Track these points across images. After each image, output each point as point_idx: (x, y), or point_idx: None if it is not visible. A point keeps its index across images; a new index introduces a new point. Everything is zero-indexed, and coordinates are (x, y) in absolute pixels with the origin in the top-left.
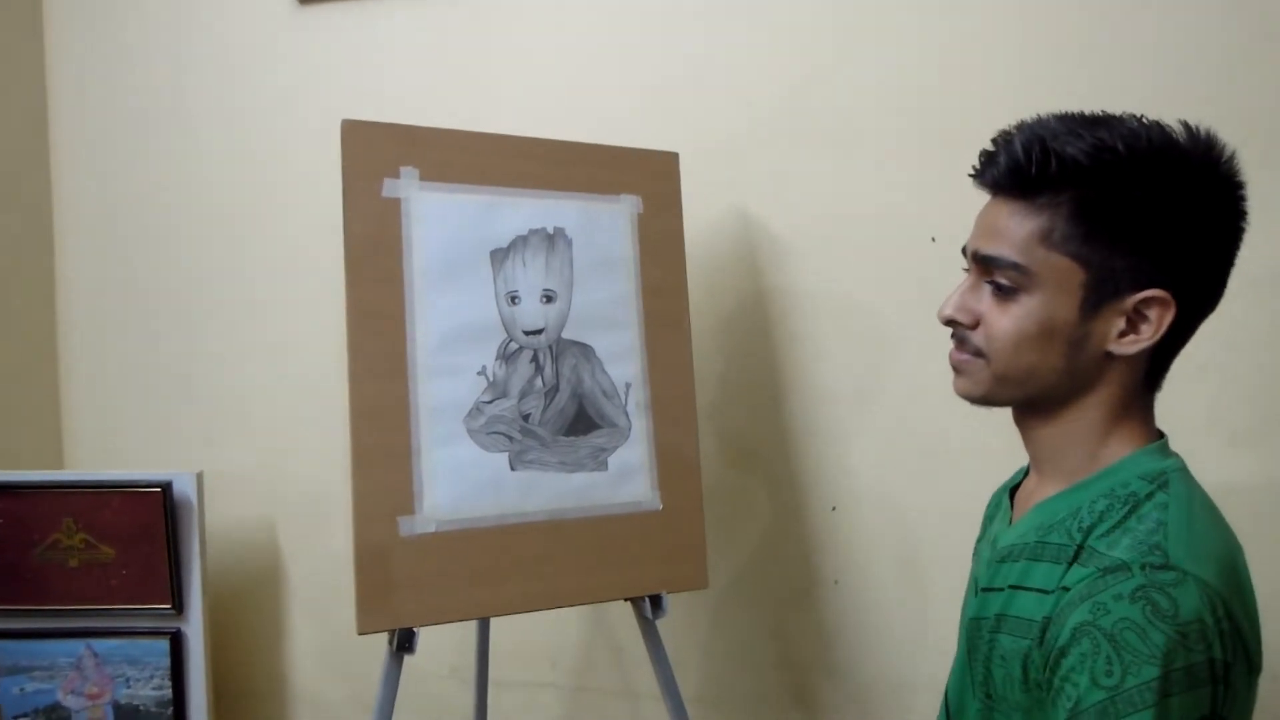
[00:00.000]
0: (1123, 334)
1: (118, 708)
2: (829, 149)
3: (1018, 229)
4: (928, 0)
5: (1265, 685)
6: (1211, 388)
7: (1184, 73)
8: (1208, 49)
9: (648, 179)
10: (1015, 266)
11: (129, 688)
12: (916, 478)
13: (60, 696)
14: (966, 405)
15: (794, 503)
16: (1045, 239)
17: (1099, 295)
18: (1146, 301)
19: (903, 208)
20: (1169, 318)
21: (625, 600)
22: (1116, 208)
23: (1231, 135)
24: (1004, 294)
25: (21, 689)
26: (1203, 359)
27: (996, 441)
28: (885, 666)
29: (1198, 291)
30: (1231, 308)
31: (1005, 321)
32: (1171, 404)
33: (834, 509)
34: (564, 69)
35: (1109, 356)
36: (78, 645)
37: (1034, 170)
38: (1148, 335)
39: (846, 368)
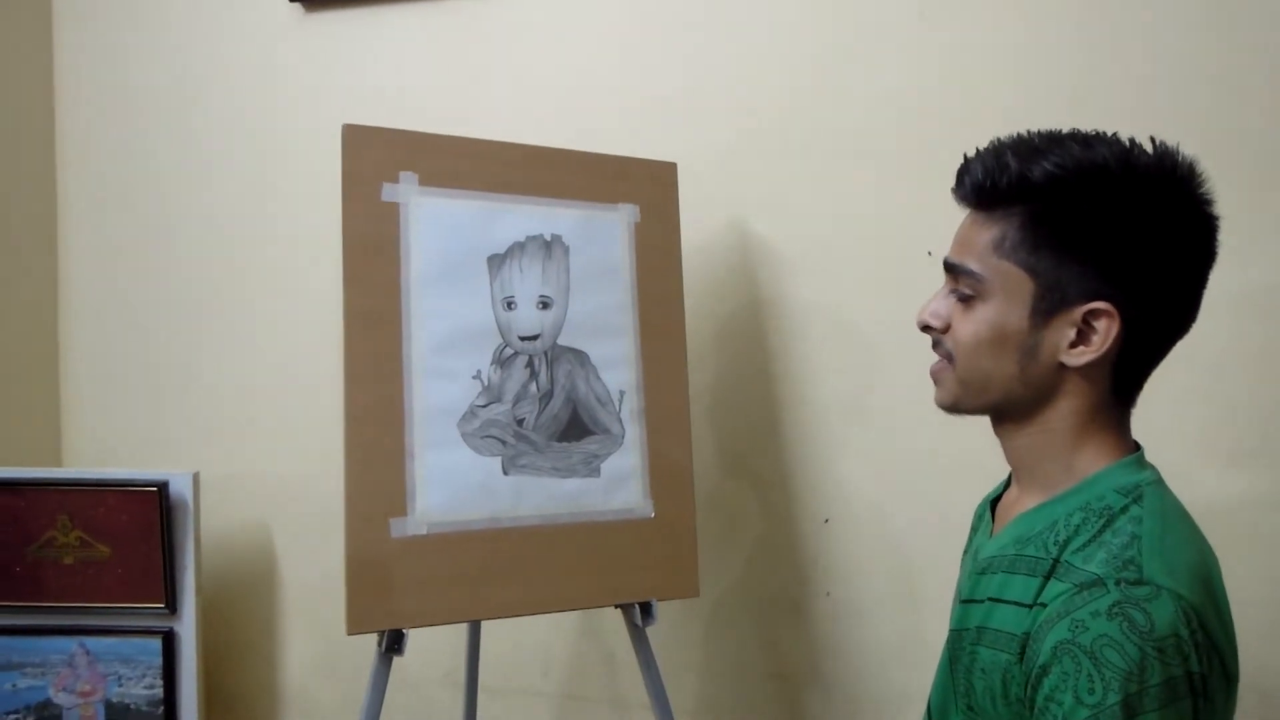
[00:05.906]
0: (1073, 345)
1: (109, 706)
2: (826, 161)
3: (978, 239)
4: (927, 13)
5: (1256, 701)
6: (1213, 408)
7: (1178, 92)
8: (1202, 69)
9: (646, 188)
10: (971, 274)
11: (121, 686)
12: (909, 490)
13: (52, 694)
14: (959, 418)
15: (787, 514)
16: (998, 248)
17: (1048, 304)
18: (1094, 313)
19: (900, 221)
20: (1115, 330)
21: (616, 607)
22: (1064, 220)
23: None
24: (965, 301)
25: (14, 685)
26: (1201, 381)
27: (988, 454)
28: (877, 679)
29: (1153, 307)
30: (1230, 328)
31: (966, 326)
32: (1171, 424)
33: (827, 521)
34: (564, 78)
35: (1064, 367)
36: (70, 643)
37: (989, 185)
38: (1095, 347)
39: (841, 380)
